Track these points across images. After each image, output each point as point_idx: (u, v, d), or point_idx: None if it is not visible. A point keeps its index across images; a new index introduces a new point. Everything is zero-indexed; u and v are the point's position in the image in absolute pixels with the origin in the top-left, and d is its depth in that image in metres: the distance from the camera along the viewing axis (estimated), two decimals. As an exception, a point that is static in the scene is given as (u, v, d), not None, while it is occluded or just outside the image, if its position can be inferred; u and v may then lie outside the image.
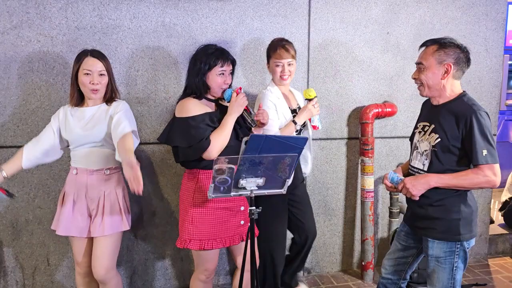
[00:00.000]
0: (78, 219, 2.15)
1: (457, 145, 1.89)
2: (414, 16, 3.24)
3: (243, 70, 2.93)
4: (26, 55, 2.57)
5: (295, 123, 2.45)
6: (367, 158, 3.13)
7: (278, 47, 2.47)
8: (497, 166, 1.86)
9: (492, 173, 1.84)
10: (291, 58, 2.47)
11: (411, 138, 2.20)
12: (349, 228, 3.36)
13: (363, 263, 3.24)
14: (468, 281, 3.22)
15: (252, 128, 2.27)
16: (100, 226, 2.15)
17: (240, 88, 2.19)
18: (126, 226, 2.24)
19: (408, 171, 2.11)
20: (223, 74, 2.14)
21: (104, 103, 2.20)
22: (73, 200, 2.16)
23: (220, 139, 2.08)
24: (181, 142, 2.10)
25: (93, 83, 2.10)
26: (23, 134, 2.63)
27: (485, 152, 1.82)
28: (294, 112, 2.55)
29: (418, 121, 2.15)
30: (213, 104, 2.22)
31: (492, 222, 3.84)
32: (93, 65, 2.11)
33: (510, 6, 4.53)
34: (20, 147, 2.61)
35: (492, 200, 3.76)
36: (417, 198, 1.94)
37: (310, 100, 2.48)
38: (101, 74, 2.13)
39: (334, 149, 3.20)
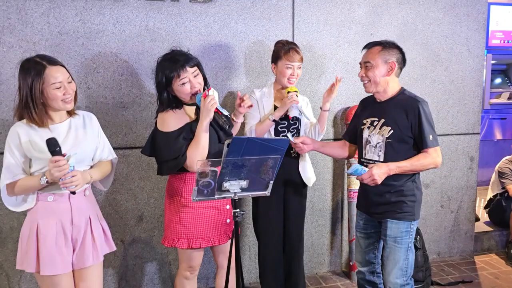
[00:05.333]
0: (63, 252, 1.87)
1: (408, 134, 2.13)
2: (397, 18, 3.28)
3: (227, 73, 2.94)
4: (8, 61, 2.55)
5: (273, 120, 2.47)
6: (353, 159, 3.14)
7: (290, 50, 2.46)
8: (439, 148, 2.14)
9: (437, 154, 2.13)
10: (300, 61, 2.51)
11: (345, 136, 2.52)
12: (336, 229, 3.38)
13: (351, 263, 3.26)
14: (454, 278, 3.26)
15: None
16: (94, 254, 1.97)
17: (209, 89, 2.04)
18: (113, 247, 2.11)
19: (363, 164, 2.25)
20: (185, 82, 2.06)
21: (68, 117, 1.95)
22: (55, 232, 1.86)
23: (196, 151, 2.03)
24: (161, 156, 2.10)
25: (69, 94, 1.85)
26: (7, 141, 2.60)
27: (431, 137, 2.10)
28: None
29: (362, 118, 2.31)
30: (194, 108, 2.17)
31: (477, 219, 3.89)
32: (61, 75, 1.83)
33: (491, 6, 4.60)
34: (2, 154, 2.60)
35: (478, 198, 3.81)
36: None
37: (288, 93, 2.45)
38: (69, 82, 1.87)
39: (320, 150, 3.21)
